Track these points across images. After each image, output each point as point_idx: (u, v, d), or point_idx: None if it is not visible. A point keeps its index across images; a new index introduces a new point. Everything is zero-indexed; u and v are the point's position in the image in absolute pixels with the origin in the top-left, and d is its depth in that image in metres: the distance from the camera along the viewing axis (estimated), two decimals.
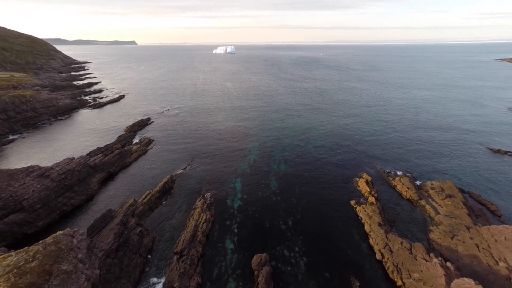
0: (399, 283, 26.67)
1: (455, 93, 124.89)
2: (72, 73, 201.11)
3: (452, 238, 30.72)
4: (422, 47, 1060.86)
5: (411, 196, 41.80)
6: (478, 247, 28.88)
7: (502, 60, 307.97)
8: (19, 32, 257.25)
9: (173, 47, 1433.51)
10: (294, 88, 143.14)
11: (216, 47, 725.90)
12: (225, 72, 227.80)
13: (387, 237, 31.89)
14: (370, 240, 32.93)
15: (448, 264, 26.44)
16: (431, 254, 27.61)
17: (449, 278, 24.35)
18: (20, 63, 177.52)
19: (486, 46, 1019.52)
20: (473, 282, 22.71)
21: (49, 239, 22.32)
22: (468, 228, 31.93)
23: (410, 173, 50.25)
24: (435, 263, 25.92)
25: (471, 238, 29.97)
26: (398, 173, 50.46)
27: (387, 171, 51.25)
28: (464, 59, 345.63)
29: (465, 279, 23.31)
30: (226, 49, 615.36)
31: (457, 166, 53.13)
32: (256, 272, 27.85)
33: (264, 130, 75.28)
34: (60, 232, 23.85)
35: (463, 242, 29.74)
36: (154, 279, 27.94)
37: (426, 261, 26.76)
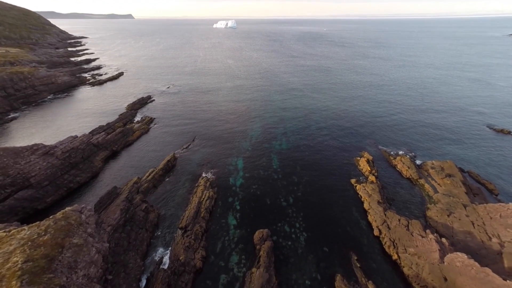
0: (394, 257, 27.94)
1: (463, 71, 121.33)
2: (69, 49, 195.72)
3: (448, 216, 31.60)
4: (431, 21, 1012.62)
5: (410, 175, 42.34)
6: (473, 224, 29.78)
7: None
8: (9, 4, 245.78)
9: (172, 21, 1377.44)
10: (297, 66, 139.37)
11: (216, 21, 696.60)
12: (226, 48, 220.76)
13: (385, 215, 32.81)
14: (369, 217, 33.93)
15: (443, 239, 27.46)
16: (427, 231, 28.58)
17: (443, 253, 25.42)
18: (15, 38, 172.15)
19: (499, 20, 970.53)
20: (465, 256, 23.78)
21: (59, 215, 23.20)
22: (465, 206, 32.71)
23: (411, 153, 50.45)
24: (430, 238, 26.92)
25: (467, 216, 30.82)
26: (400, 152, 50.67)
27: (389, 150, 51.42)
28: (475, 35, 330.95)
29: (458, 253, 24.38)
30: (226, 24, 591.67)
31: (459, 145, 53.16)
32: (258, 247, 29.13)
33: (266, 109, 74.56)
34: (69, 208, 24.72)
35: (459, 219, 30.61)
36: (161, 252, 29.37)
37: (422, 237, 27.78)
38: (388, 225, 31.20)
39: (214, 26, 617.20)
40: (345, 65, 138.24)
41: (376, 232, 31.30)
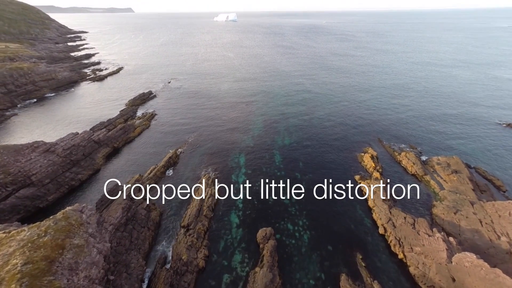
0: (400, 256, 27.46)
1: (468, 64, 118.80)
2: (69, 44, 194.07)
3: (455, 213, 30.96)
4: (436, 13, 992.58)
5: (416, 172, 41.57)
6: (481, 222, 29.15)
7: None
8: None
9: (173, 15, 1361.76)
10: (298, 59, 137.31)
11: (217, 14, 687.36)
12: (227, 42, 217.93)
13: (390, 212, 32.25)
14: (374, 214, 33.40)
15: (451, 238, 26.90)
16: (434, 229, 28.01)
17: (450, 252, 24.88)
18: (14, 33, 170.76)
19: (500, 11, 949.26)
20: (474, 256, 23.21)
21: (59, 215, 22.81)
22: (472, 203, 32.03)
23: (417, 149, 49.56)
24: (437, 237, 26.36)
25: (475, 214, 30.17)
26: (404, 147, 49.80)
27: (393, 146, 50.55)
28: (479, 26, 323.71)
29: (467, 253, 23.82)
30: (227, 17, 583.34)
31: (466, 141, 52.14)
32: (261, 245, 28.77)
33: (268, 103, 73.57)
34: (69, 207, 24.32)
35: (466, 217, 29.99)
36: (163, 251, 29.11)
37: (429, 235, 27.22)
38: (393, 223, 30.65)
39: (215, 19, 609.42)
40: (346, 60, 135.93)
41: (381, 231, 30.79)
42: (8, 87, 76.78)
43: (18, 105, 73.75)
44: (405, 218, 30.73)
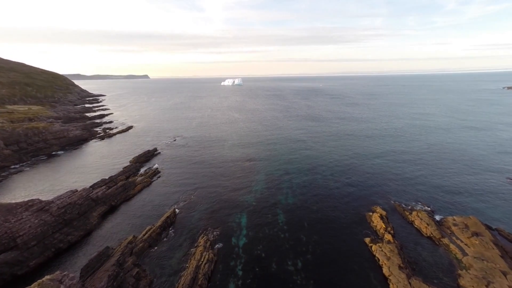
0: None
1: (465, 120, 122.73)
2: (86, 105, 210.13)
3: (487, 286, 26.87)
4: (427, 77, 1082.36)
5: (431, 234, 38.17)
6: None
7: (510, 88, 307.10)
8: (42, 69, 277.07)
9: (183, 80, 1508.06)
10: (300, 120, 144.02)
11: (224, 79, 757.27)
12: (232, 103, 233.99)
13: (410, 283, 28.27)
14: (391, 286, 29.21)
15: None
16: None
17: None
18: (39, 97, 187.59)
19: (489, 75, 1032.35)
20: None
21: (33, 286, 20.31)
22: (504, 273, 28.11)
23: (427, 207, 46.78)
24: None
25: (511, 287, 26.12)
26: (415, 207, 47.04)
27: (403, 204, 47.94)
28: (473, 88, 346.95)
29: None
30: (233, 82, 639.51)
31: (479, 199, 49.39)
32: None
33: (271, 161, 73.75)
34: (48, 276, 21.88)
35: None
36: None
37: None
38: None
39: (222, 83, 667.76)
40: (346, 119, 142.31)
41: None
42: (20, 145, 79.91)
43: (26, 162, 75.26)
44: None
